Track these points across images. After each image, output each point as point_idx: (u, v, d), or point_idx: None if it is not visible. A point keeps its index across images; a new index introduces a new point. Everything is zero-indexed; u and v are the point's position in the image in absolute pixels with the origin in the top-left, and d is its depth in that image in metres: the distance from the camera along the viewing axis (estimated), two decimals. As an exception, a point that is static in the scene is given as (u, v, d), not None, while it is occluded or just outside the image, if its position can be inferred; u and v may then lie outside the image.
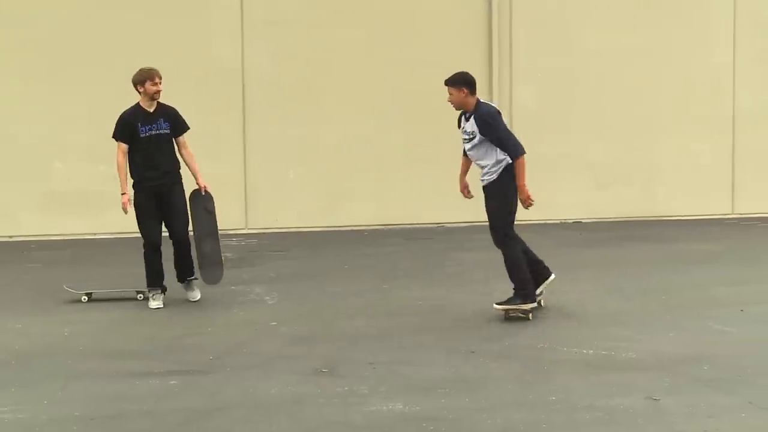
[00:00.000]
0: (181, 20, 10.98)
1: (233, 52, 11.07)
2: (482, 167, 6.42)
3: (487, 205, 6.47)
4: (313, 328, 6.32)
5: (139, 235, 6.97)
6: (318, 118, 11.38)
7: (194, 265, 7.11)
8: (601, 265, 8.82)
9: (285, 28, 11.18)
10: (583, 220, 11.90)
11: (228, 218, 11.15)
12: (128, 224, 9.84)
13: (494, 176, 6.35)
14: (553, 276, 6.66)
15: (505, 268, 6.48)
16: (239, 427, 4.37)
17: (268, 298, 7.30)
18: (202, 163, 11.12)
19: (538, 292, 6.58)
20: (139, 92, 6.85)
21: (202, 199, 7.10)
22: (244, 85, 11.14)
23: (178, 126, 6.99)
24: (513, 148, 6.27)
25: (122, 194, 6.79)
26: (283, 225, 11.27)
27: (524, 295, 6.38)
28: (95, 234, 10.65)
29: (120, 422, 4.46)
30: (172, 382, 5.05)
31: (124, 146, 6.82)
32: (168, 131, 6.91)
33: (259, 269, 8.66)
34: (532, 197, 6.36)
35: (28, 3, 10.63)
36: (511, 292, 6.47)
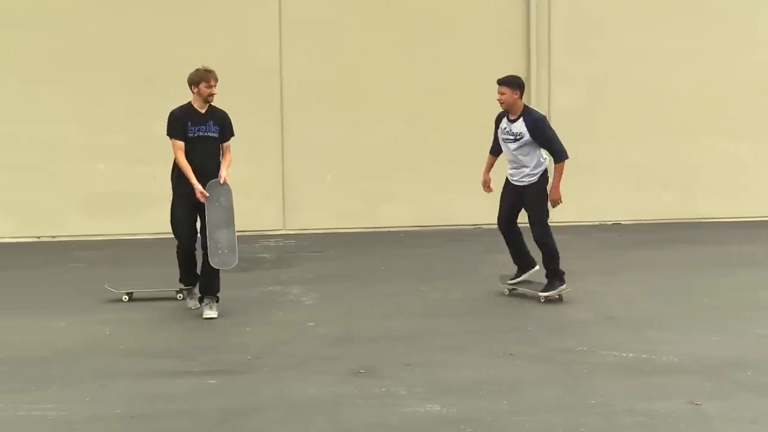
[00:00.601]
0: (220, 22, 11.07)
1: (272, 54, 11.14)
2: (523, 168, 6.95)
3: (529, 204, 7.00)
4: (351, 329, 6.33)
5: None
6: (356, 120, 11.41)
7: (220, 284, 6.78)
8: (641, 267, 8.71)
9: (323, 30, 11.22)
10: (622, 222, 11.77)
11: (266, 219, 11.24)
12: (168, 225, 9.96)
13: (535, 178, 6.94)
14: (537, 267, 7.23)
15: (543, 260, 7.05)
16: (277, 427, 4.39)
17: (305, 298, 7.32)
18: (241, 164, 11.28)
19: (519, 279, 7.21)
20: (193, 92, 6.64)
21: (218, 191, 6.66)
22: (282, 87, 11.20)
23: (226, 131, 6.79)
24: (560, 151, 6.87)
25: (195, 187, 6.50)
26: (321, 226, 11.31)
27: (561, 277, 7.03)
28: (135, 234, 10.78)
29: (159, 421, 4.50)
30: (211, 381, 5.09)
31: (180, 143, 6.56)
32: (216, 135, 6.69)
33: (296, 270, 8.70)
34: (562, 198, 7.02)
35: (67, 8, 10.79)
36: (539, 279, 7.15)
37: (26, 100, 10.67)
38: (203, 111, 6.68)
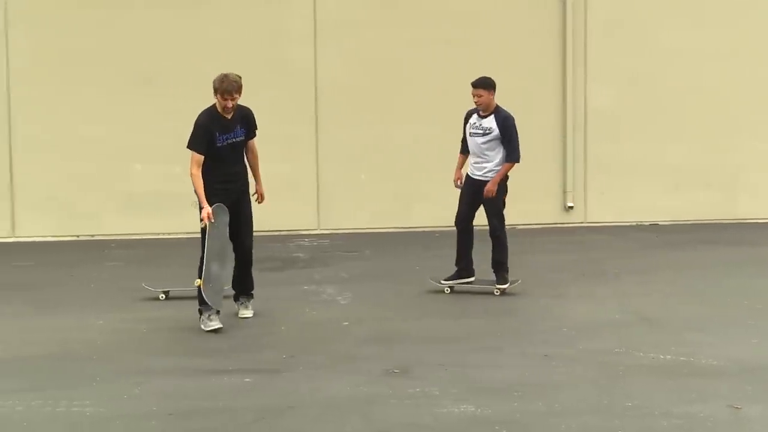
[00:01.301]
0: (255, 23, 11.14)
1: (306, 54, 11.17)
2: (485, 163, 7.25)
3: (488, 203, 7.31)
4: (385, 329, 6.33)
5: (197, 234, 6.46)
6: (390, 120, 11.40)
7: (254, 282, 6.71)
8: (679, 267, 8.60)
9: (357, 30, 11.23)
10: (659, 223, 11.63)
11: (300, 219, 11.28)
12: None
13: (496, 174, 7.24)
14: (472, 280, 7.45)
15: (494, 252, 7.31)
16: (312, 426, 4.41)
17: (340, 298, 7.34)
18: (276, 164, 11.34)
19: (455, 282, 7.36)
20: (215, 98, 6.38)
21: (223, 218, 6.32)
22: (316, 87, 11.23)
23: (251, 129, 6.54)
24: (517, 152, 7.27)
25: (202, 208, 6.15)
26: (355, 226, 11.32)
27: (507, 269, 7.29)
28: (172, 234, 10.89)
29: (196, 418, 4.55)
30: (246, 380, 5.13)
31: (200, 158, 6.22)
32: (243, 137, 6.44)
33: (331, 269, 8.72)
34: (493, 194, 7.27)
35: (105, 10, 10.93)
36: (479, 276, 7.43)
37: (66, 102, 10.82)
38: (229, 116, 6.32)
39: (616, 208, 11.52)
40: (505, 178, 7.30)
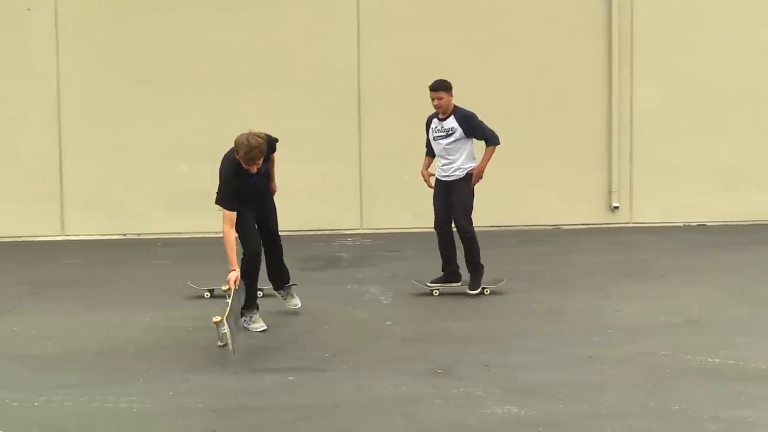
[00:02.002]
0: (298, 24, 11.20)
1: (349, 54, 11.21)
2: (451, 163, 7.24)
3: (455, 197, 7.26)
4: (428, 329, 6.32)
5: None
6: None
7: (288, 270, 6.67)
8: (728, 269, 8.44)
9: (400, 30, 11.23)
10: (707, 224, 11.43)
11: (343, 219, 11.32)
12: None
13: (463, 173, 7.25)
14: (459, 284, 7.35)
15: (466, 253, 7.25)
16: (355, 426, 4.42)
17: (383, 297, 7.35)
18: (319, 165, 11.41)
19: (440, 285, 7.32)
20: None
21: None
22: (359, 87, 11.26)
23: (270, 153, 6.27)
24: (492, 136, 7.35)
25: (232, 270, 5.86)
26: (398, 226, 11.32)
27: (482, 272, 7.25)
28: (217, 233, 10.99)
29: (240, 416, 4.59)
30: (290, 378, 5.16)
31: (232, 216, 5.98)
32: (266, 166, 6.23)
33: (374, 269, 8.73)
34: (481, 177, 7.29)
35: (152, 12, 11.08)
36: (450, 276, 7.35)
37: (114, 103, 11.00)
38: (259, 168, 6.04)
39: (663, 208, 11.36)
40: (476, 180, 7.31)
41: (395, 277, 8.24)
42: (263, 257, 6.41)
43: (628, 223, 11.32)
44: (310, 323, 6.54)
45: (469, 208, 7.29)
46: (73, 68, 10.96)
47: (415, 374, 5.18)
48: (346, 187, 11.25)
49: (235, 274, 5.87)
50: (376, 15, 11.23)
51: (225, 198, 6.04)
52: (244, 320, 6.27)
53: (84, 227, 11.04)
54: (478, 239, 7.36)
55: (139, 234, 11.08)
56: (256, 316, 6.33)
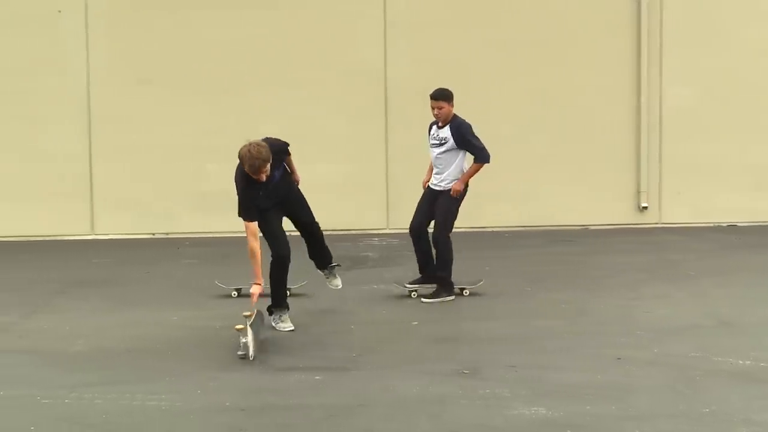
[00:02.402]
0: (325, 24, 11.22)
1: (376, 55, 11.21)
2: (443, 173, 7.17)
3: (440, 206, 7.17)
4: (455, 329, 6.31)
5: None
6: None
7: (329, 251, 6.70)
8: (760, 270, 8.33)
9: (427, 30, 11.20)
10: (738, 224, 11.29)
11: (369, 218, 11.32)
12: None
13: (454, 183, 7.13)
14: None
15: (440, 261, 7.16)
16: (381, 425, 4.42)
17: (408, 298, 7.33)
18: (345, 164, 11.42)
19: (415, 287, 7.25)
20: None
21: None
22: (386, 87, 11.26)
23: (283, 160, 6.30)
24: (483, 152, 7.15)
25: (256, 284, 5.90)
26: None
27: (449, 287, 7.15)
28: (244, 232, 11.05)
29: (267, 414, 4.61)
30: (317, 377, 5.17)
31: (254, 226, 5.99)
32: (282, 173, 6.24)
33: (400, 269, 8.71)
34: (459, 192, 7.14)
35: (179, 13, 11.15)
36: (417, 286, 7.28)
37: (143, 103, 11.09)
38: (267, 176, 6.01)
39: (693, 208, 11.23)
40: (465, 194, 7.16)
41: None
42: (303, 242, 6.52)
43: (657, 223, 11.21)
44: (336, 323, 6.55)
45: (449, 221, 7.18)
46: (103, 69, 11.06)
47: (442, 374, 5.16)
48: (372, 187, 11.25)
49: (258, 288, 5.90)
50: (403, 15, 11.21)
51: (243, 210, 6.08)
52: (273, 318, 6.31)
53: (113, 226, 11.14)
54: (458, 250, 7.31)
55: (167, 233, 11.16)
56: (285, 315, 6.34)
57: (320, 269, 6.79)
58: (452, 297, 7.17)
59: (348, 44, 11.22)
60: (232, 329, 6.32)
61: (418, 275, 7.37)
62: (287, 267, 6.28)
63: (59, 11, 11.00)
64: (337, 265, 6.79)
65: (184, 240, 10.71)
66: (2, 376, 5.30)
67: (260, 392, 4.93)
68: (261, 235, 6.26)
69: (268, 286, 6.32)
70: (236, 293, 7.40)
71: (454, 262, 7.25)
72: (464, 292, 7.28)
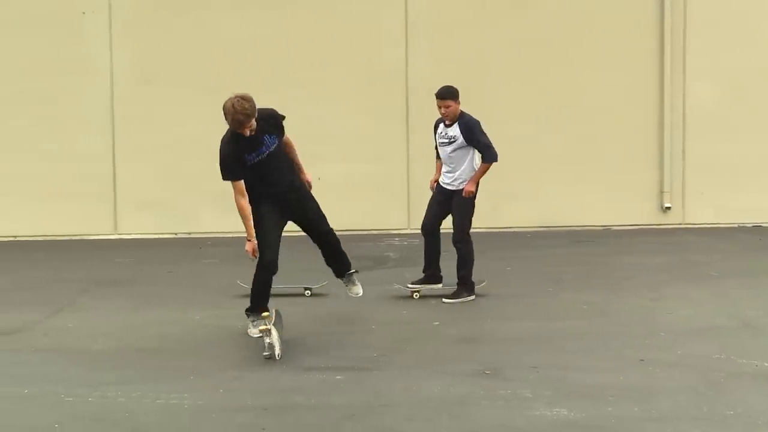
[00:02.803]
0: (347, 24, 11.24)
1: (398, 55, 11.21)
2: (454, 172, 7.12)
3: (456, 208, 7.16)
4: (476, 330, 6.30)
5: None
6: (481, 119, 11.31)
7: (347, 257, 6.53)
8: (784, 272, 8.25)
9: (448, 30, 11.20)
10: (763, 225, 11.17)
11: (391, 218, 11.33)
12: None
13: (466, 184, 7.09)
14: (440, 286, 7.28)
15: (457, 264, 7.13)
16: (403, 425, 4.42)
17: (430, 297, 7.33)
18: (367, 164, 11.43)
19: (420, 286, 7.27)
20: None
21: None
22: (407, 87, 11.26)
23: (280, 130, 6.05)
24: (490, 151, 7.07)
25: (248, 240, 5.85)
26: (445, 226, 11.29)
27: (470, 287, 7.12)
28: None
29: (289, 413, 4.62)
30: (338, 377, 5.18)
31: (240, 184, 5.83)
32: (276, 143, 5.94)
33: (420, 269, 8.70)
34: (471, 193, 7.10)
35: (203, 14, 11.22)
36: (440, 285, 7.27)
37: (165, 103, 11.17)
38: (252, 133, 5.83)
39: (717, 209, 11.14)
40: (476, 192, 7.13)
41: (443, 276, 8.20)
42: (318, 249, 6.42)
43: (680, 223, 11.13)
44: (357, 323, 6.56)
45: (467, 221, 7.15)
46: (126, 69, 11.16)
47: (463, 375, 5.16)
48: (393, 187, 11.26)
49: (251, 245, 5.84)
50: (424, 15, 11.21)
51: (225, 172, 5.87)
52: (249, 323, 6.10)
53: (136, 226, 11.23)
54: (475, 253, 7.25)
55: (189, 233, 11.23)
56: (258, 322, 5.88)
57: (339, 277, 6.65)
58: (473, 297, 7.15)
59: (369, 45, 11.23)
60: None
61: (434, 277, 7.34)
62: (272, 273, 6.02)
63: (83, 13, 11.11)
64: (356, 272, 6.64)
65: (205, 240, 10.78)
66: (27, 374, 5.36)
67: (282, 392, 4.95)
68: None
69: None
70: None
71: (475, 262, 7.23)
72: (442, 299, 7.15)
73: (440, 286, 7.30)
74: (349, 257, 6.58)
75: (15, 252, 10.37)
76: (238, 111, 5.71)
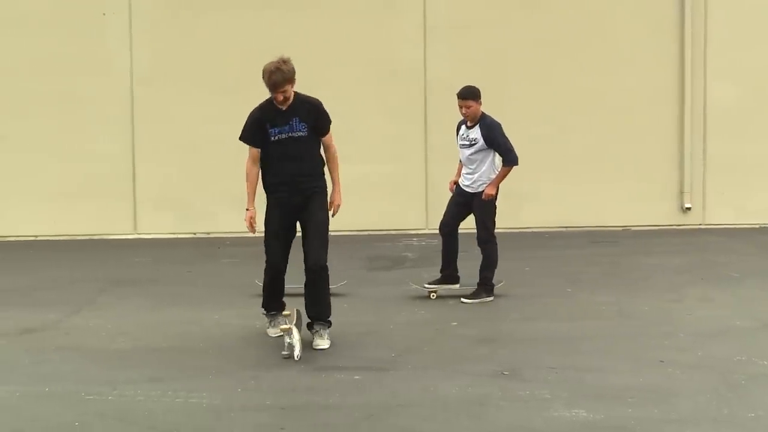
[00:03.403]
0: (365, 25, 11.25)
1: (416, 56, 11.21)
2: (473, 174, 7.12)
3: (478, 211, 7.14)
4: (494, 330, 6.28)
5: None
6: (500, 119, 11.30)
7: (331, 305, 5.86)
8: (806, 273, 8.17)
9: (466, 31, 11.18)
10: (785, 225, 11.08)
11: (409, 219, 11.33)
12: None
13: (486, 187, 7.08)
14: (457, 287, 7.25)
15: (481, 264, 7.12)
16: (421, 425, 4.42)
17: (448, 298, 7.32)
18: (385, 165, 11.44)
19: (437, 286, 7.23)
20: None
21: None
22: (425, 87, 11.25)
23: (320, 123, 5.75)
24: (510, 154, 7.06)
25: (246, 209, 5.76)
26: (464, 226, 11.27)
27: (490, 289, 7.11)
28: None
29: (307, 413, 4.63)
30: (356, 377, 5.18)
31: (255, 151, 5.76)
32: (305, 133, 5.68)
33: (438, 269, 8.69)
34: (491, 197, 7.08)
35: (223, 13, 11.26)
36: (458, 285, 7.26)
37: (184, 103, 11.22)
38: (285, 107, 5.66)
39: (737, 209, 11.06)
40: (497, 192, 7.11)
41: (461, 277, 8.19)
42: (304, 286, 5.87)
43: (700, 224, 11.05)
44: (375, 323, 6.56)
45: (490, 223, 7.14)
46: (146, 70, 11.22)
47: (481, 375, 5.15)
48: (411, 187, 11.25)
49: (249, 214, 5.73)
50: (443, 15, 11.20)
51: (244, 132, 5.82)
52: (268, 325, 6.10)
53: (155, 226, 11.29)
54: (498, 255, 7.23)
55: (207, 233, 11.28)
56: (277, 321, 6.03)
57: (310, 327, 5.82)
58: (491, 298, 7.14)
59: (387, 45, 11.23)
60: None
61: (453, 277, 7.32)
62: (279, 274, 5.89)
63: (104, 14, 11.18)
64: (328, 325, 5.83)
65: (224, 239, 10.82)
66: (48, 372, 5.41)
67: (300, 391, 4.96)
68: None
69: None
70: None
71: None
72: (461, 299, 7.12)
73: (458, 286, 7.29)
74: (331, 309, 5.87)
75: (35, 252, 10.45)
76: (278, 69, 5.65)
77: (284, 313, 5.75)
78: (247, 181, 5.83)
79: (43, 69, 11.16)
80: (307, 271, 5.75)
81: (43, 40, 11.15)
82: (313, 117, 5.75)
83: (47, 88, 11.15)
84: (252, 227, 5.79)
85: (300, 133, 5.71)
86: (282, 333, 5.64)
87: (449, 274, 7.31)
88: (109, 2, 11.17)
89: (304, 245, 5.77)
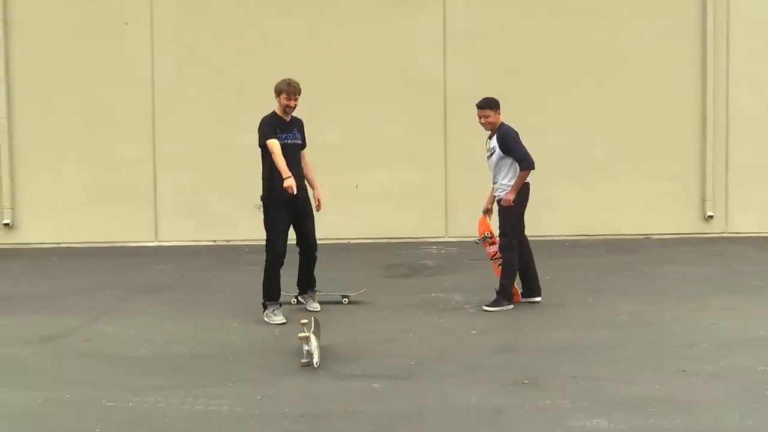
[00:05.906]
0: (385, 32, 11.28)
1: (435, 63, 11.22)
2: (495, 182, 7.25)
3: (499, 214, 7.21)
4: (514, 339, 6.25)
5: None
6: (519, 127, 11.25)
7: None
8: (831, 282, 8.07)
9: (486, 37, 11.18)
10: (809, 233, 10.96)
11: (428, 226, 11.32)
12: (334, 230, 10.22)
13: (503, 195, 7.15)
14: (539, 300, 7.28)
15: (502, 270, 7.14)
16: (440, 434, 4.40)
17: (468, 306, 7.31)
18: (404, 172, 11.44)
19: (522, 300, 7.27)
20: (276, 101, 6.93)
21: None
22: (445, 95, 11.26)
23: (304, 138, 7.04)
24: (525, 160, 7.09)
25: (286, 177, 6.64)
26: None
27: (508, 297, 7.11)
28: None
29: (326, 421, 4.62)
30: (375, 385, 5.17)
31: (278, 143, 6.76)
32: (300, 142, 6.96)
33: (458, 277, 8.69)
34: (510, 203, 7.11)
35: (243, 20, 11.33)
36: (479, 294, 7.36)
37: (206, 111, 11.29)
38: (287, 119, 6.92)
39: (761, 217, 10.96)
40: (521, 196, 7.12)
41: (481, 285, 8.17)
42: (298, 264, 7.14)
43: (723, 233, 10.96)
44: (394, 331, 6.55)
45: (508, 226, 7.11)
46: (168, 78, 11.31)
47: (501, 384, 5.12)
48: (431, 195, 11.25)
49: (290, 181, 6.58)
50: (462, 23, 11.21)
51: (264, 132, 6.82)
52: (266, 314, 6.84)
53: (176, 233, 11.36)
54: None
55: (228, 240, 11.33)
56: (279, 309, 6.86)
57: (301, 295, 7.28)
58: (512, 306, 7.11)
59: (408, 52, 11.25)
60: (292, 336, 6.38)
61: (497, 287, 7.23)
62: (280, 265, 6.89)
63: (125, 23, 11.29)
64: (318, 290, 7.25)
65: (244, 247, 10.85)
66: (69, 378, 5.44)
67: (319, 399, 4.95)
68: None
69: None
70: (295, 300, 7.46)
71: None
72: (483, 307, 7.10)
73: (539, 299, 7.28)
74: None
75: (57, 259, 10.54)
76: (293, 83, 6.86)
77: (302, 321, 5.81)
78: (279, 165, 6.68)
79: (66, 78, 11.28)
80: (307, 254, 7.12)
81: (66, 50, 11.27)
82: (303, 132, 7.02)
83: (70, 97, 11.27)
84: (294, 188, 6.63)
85: (298, 142, 6.95)
86: (300, 340, 5.65)
87: (529, 288, 7.31)
88: (131, 12, 11.28)
89: (302, 235, 7.05)
